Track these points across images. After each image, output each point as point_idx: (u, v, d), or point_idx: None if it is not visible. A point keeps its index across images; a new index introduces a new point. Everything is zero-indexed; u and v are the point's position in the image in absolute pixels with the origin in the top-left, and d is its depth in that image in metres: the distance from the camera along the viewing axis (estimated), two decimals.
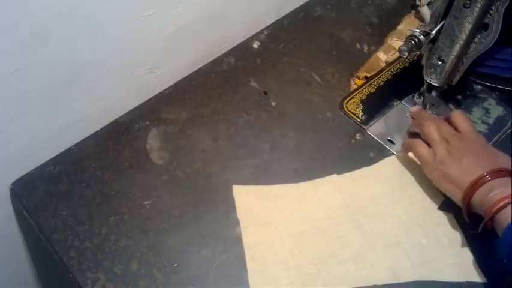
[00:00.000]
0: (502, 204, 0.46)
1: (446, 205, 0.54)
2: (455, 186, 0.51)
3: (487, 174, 0.49)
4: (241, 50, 0.72)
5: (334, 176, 0.58)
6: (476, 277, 0.50)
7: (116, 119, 0.63)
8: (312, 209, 0.55)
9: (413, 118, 0.62)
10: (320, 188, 0.57)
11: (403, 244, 0.52)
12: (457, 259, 0.51)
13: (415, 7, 0.79)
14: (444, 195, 0.54)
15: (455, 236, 0.53)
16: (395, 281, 0.50)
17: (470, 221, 0.51)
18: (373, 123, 0.63)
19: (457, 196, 0.51)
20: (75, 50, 0.52)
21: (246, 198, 0.56)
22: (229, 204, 0.55)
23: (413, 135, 0.59)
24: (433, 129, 0.55)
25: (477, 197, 0.49)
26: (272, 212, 0.55)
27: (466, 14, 0.53)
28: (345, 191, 0.57)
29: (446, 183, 0.52)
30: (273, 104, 0.66)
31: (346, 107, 0.65)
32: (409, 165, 0.59)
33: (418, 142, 0.56)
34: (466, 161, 0.51)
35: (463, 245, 0.52)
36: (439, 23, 0.56)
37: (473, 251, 0.51)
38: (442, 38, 0.56)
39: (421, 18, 0.77)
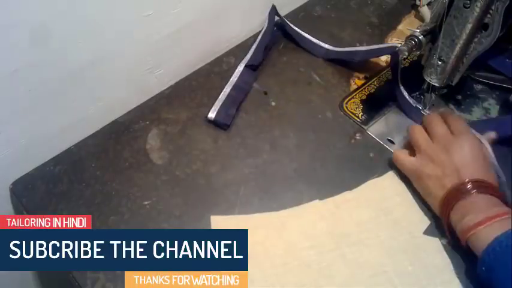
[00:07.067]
0: (472, 232, 0.46)
1: (432, 230, 0.53)
2: (434, 198, 0.52)
3: (469, 182, 0.49)
4: (241, 50, 0.72)
5: (316, 202, 0.55)
6: None
7: (116, 119, 0.63)
8: (295, 239, 0.52)
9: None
10: (302, 216, 0.54)
11: (389, 273, 0.50)
12: (444, 287, 0.49)
13: (415, 7, 0.79)
14: (430, 218, 0.54)
15: (443, 263, 0.51)
16: None
17: (450, 235, 0.51)
18: (373, 123, 0.64)
19: (435, 208, 0.52)
20: (75, 50, 0.52)
21: None
22: (229, 204, 0.55)
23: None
24: (419, 135, 0.55)
25: (452, 219, 0.49)
26: (252, 244, 0.51)
27: (466, 14, 0.53)
28: (327, 217, 0.54)
29: (427, 195, 0.53)
30: (273, 104, 0.66)
31: (346, 107, 0.65)
32: (393, 187, 0.57)
33: (399, 152, 0.57)
34: (447, 170, 0.51)
35: (451, 272, 0.50)
36: (439, 23, 0.56)
37: (461, 279, 0.50)
38: (442, 38, 0.56)
39: (421, 18, 0.77)
